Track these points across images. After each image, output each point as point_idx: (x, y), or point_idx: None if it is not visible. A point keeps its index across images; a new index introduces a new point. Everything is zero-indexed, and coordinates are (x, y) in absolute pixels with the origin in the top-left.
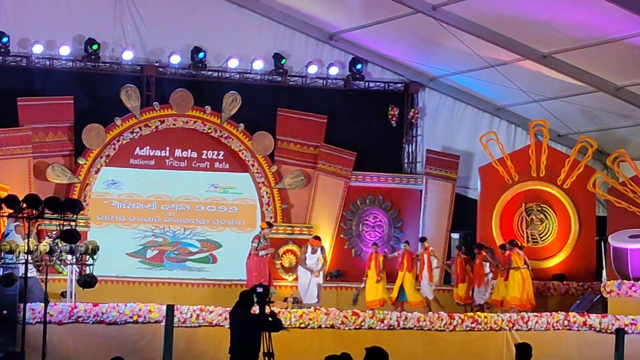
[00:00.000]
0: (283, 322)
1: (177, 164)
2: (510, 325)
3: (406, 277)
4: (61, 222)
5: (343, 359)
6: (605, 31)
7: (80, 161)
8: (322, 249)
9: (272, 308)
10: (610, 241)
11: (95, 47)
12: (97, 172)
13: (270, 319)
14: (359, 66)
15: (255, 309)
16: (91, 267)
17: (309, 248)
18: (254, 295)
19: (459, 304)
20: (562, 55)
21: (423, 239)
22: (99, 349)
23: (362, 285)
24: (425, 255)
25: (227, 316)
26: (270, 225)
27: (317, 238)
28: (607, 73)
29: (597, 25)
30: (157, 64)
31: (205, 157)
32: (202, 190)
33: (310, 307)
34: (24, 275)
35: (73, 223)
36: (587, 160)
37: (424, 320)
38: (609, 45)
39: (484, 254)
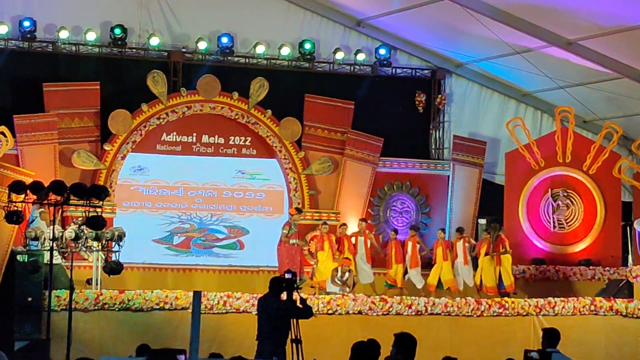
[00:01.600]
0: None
1: (204, 149)
2: (537, 310)
3: (444, 266)
4: (87, 208)
5: (370, 345)
6: (631, 18)
7: (107, 147)
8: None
9: (300, 294)
10: (636, 226)
11: (121, 32)
12: (123, 158)
13: (300, 305)
14: (386, 53)
15: (284, 296)
16: (117, 253)
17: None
18: (280, 281)
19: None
20: (588, 42)
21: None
22: (125, 336)
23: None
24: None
25: (254, 303)
26: (299, 211)
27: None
28: (632, 59)
29: (622, 12)
30: (184, 50)
31: (233, 143)
32: (229, 176)
33: (337, 293)
34: (49, 262)
35: (99, 209)
36: (613, 146)
37: (452, 306)
38: (634, 32)
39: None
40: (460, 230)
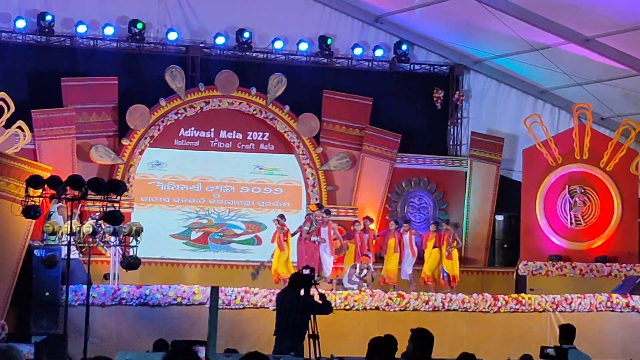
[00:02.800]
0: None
1: (222, 145)
2: (554, 306)
3: (393, 258)
4: (104, 203)
5: (387, 341)
6: None
7: (124, 142)
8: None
9: (318, 290)
10: None
11: (139, 27)
12: (141, 153)
13: (320, 301)
14: (404, 48)
15: (302, 291)
16: (135, 248)
17: (358, 265)
18: (300, 277)
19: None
20: (606, 39)
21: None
22: (142, 331)
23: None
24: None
25: (272, 298)
26: (320, 207)
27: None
28: None
29: None
30: (202, 45)
31: (251, 138)
32: (247, 171)
33: (354, 289)
34: (66, 257)
35: (116, 204)
36: (630, 143)
37: (469, 302)
38: None
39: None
40: (408, 222)
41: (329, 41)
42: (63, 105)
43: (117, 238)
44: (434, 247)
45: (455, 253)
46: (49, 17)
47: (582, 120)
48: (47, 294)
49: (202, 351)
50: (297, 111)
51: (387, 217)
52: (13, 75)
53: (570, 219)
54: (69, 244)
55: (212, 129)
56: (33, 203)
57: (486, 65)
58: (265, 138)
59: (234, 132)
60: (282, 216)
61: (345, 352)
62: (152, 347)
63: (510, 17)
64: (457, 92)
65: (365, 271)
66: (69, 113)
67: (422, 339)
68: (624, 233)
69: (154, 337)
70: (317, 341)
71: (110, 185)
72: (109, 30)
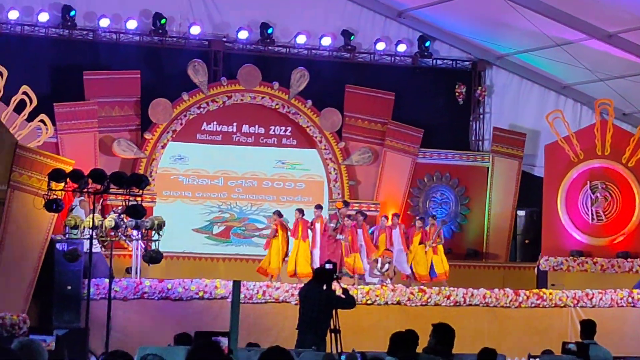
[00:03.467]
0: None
1: (244, 139)
2: (575, 302)
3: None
4: (127, 197)
5: (409, 336)
6: None
7: (147, 136)
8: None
9: (341, 284)
10: None
11: (162, 21)
12: (163, 147)
13: (343, 295)
14: (426, 44)
15: (324, 286)
16: (157, 242)
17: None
18: (324, 272)
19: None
20: (628, 35)
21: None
22: (164, 325)
23: None
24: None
25: (294, 293)
26: (346, 204)
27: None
28: None
29: None
30: (224, 39)
31: (273, 133)
32: (269, 166)
33: (376, 284)
34: (88, 251)
35: (139, 198)
36: None
37: (490, 297)
38: None
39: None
40: (398, 216)
41: (351, 36)
42: (85, 98)
43: (139, 232)
44: (420, 242)
45: (440, 248)
46: (72, 11)
47: (604, 115)
48: (69, 287)
49: (224, 342)
50: (319, 106)
51: (408, 212)
52: (36, 69)
53: (592, 214)
54: (91, 238)
55: (235, 124)
56: (55, 197)
57: (508, 60)
58: (287, 133)
59: (257, 126)
60: (301, 210)
61: (367, 347)
62: (174, 340)
63: (532, 13)
64: (480, 87)
65: (386, 266)
66: (92, 107)
67: (443, 334)
68: None
69: (175, 331)
70: (338, 336)
71: (133, 179)
72: (131, 24)
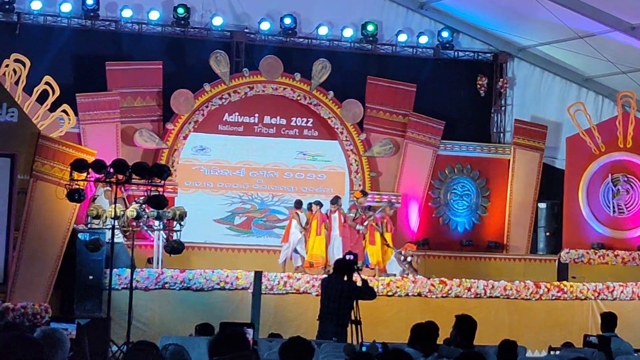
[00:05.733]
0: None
1: (265, 130)
2: (596, 294)
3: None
4: (148, 187)
5: (429, 327)
6: None
7: (169, 126)
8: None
9: (361, 276)
10: None
11: (184, 12)
12: (185, 137)
13: (362, 286)
14: (448, 35)
15: (345, 277)
16: (178, 233)
17: (402, 253)
18: (344, 263)
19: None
20: None
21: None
22: (186, 315)
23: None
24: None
25: (315, 284)
26: (365, 194)
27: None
28: None
29: None
30: (246, 30)
31: (294, 124)
32: (290, 157)
33: (396, 275)
34: (110, 241)
35: (160, 189)
36: None
37: (511, 289)
38: None
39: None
40: (334, 201)
41: (373, 27)
42: (107, 89)
43: (161, 222)
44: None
45: (378, 237)
46: (92, 2)
47: (626, 108)
48: (91, 277)
49: (250, 333)
50: (341, 97)
51: (429, 204)
52: (58, 59)
53: (613, 207)
54: (112, 228)
55: (256, 115)
56: (77, 187)
57: (530, 52)
58: (309, 124)
59: (278, 117)
60: (318, 202)
61: (387, 338)
62: (195, 331)
63: (554, 5)
64: (501, 79)
65: (409, 258)
66: (114, 97)
67: (465, 325)
68: None
69: (196, 322)
70: (359, 327)
71: (155, 170)
72: (153, 15)
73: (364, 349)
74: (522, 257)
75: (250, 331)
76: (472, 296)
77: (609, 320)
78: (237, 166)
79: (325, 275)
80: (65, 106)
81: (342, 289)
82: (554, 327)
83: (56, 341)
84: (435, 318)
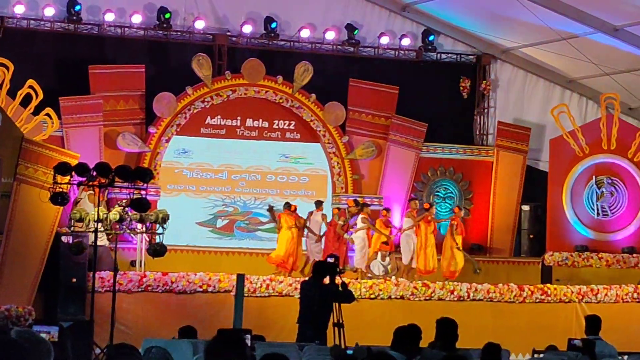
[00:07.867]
0: (353, 293)
1: (248, 133)
2: (580, 297)
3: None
4: (131, 190)
5: (412, 330)
6: None
7: (151, 130)
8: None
9: (343, 279)
10: None
11: (167, 15)
12: (167, 141)
13: (341, 289)
14: (431, 37)
15: (326, 280)
16: (161, 236)
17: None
18: (323, 266)
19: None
20: (635, 28)
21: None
22: (168, 318)
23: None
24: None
25: (297, 286)
26: (358, 204)
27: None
28: None
29: None
30: (229, 33)
31: (277, 127)
32: (273, 160)
33: (379, 278)
34: (93, 244)
35: (143, 192)
36: None
37: (494, 292)
38: None
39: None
40: (317, 204)
41: (355, 30)
42: (91, 92)
43: (144, 225)
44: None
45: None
46: (77, 5)
47: (610, 110)
48: (74, 280)
49: (248, 338)
50: (323, 100)
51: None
52: (41, 63)
53: (597, 209)
54: (96, 231)
55: (239, 118)
56: (61, 190)
57: (513, 54)
58: (291, 127)
59: (260, 120)
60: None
61: (370, 341)
62: (178, 333)
63: (537, 6)
64: (484, 81)
65: (387, 259)
66: (97, 101)
67: (447, 329)
68: None
69: (179, 324)
70: (342, 330)
71: (137, 173)
72: (136, 19)
73: (349, 352)
74: (506, 260)
75: (247, 337)
76: (455, 299)
77: (593, 323)
78: (220, 169)
79: (304, 279)
80: (48, 109)
81: (320, 293)
82: (538, 330)
83: (33, 341)
84: (418, 321)
